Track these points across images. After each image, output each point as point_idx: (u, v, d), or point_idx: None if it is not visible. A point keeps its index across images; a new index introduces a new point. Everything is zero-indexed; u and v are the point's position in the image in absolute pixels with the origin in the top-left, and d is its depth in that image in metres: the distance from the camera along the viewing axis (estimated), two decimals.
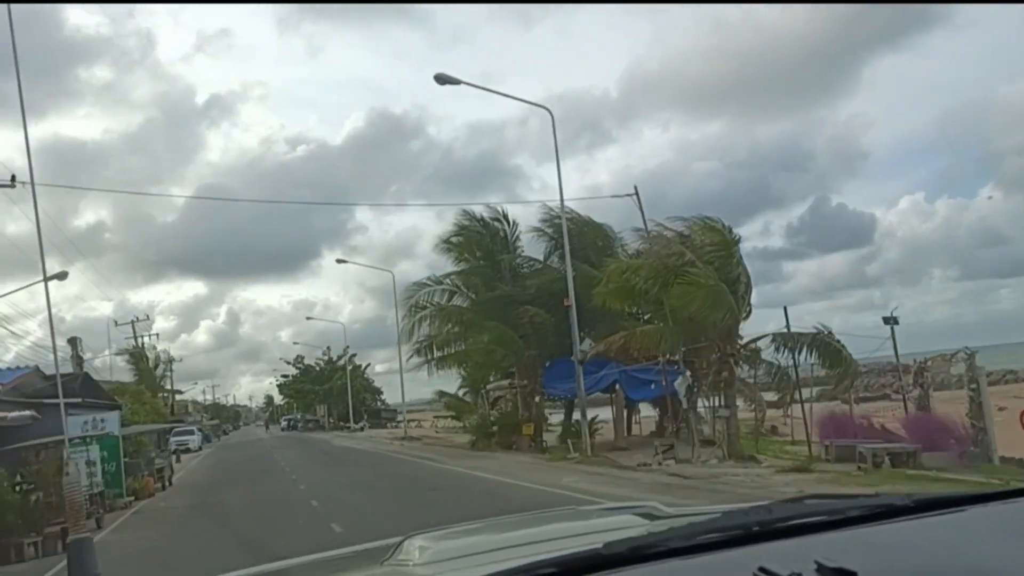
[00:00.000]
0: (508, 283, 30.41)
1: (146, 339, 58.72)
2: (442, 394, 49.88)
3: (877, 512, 1.42)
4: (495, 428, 31.55)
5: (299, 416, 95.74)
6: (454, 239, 31.72)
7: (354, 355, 79.41)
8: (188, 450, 53.30)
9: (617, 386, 26.98)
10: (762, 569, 1.07)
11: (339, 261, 58.35)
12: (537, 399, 30.51)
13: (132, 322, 56.74)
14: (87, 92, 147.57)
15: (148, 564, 12.81)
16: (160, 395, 57.12)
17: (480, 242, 31.32)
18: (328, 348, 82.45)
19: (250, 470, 31.76)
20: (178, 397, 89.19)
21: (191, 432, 57.07)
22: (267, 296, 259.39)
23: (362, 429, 70.70)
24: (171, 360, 56.55)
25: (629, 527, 1.79)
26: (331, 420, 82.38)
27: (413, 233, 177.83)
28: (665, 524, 1.70)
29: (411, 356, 32.82)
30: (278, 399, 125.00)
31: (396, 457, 32.47)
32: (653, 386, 24.32)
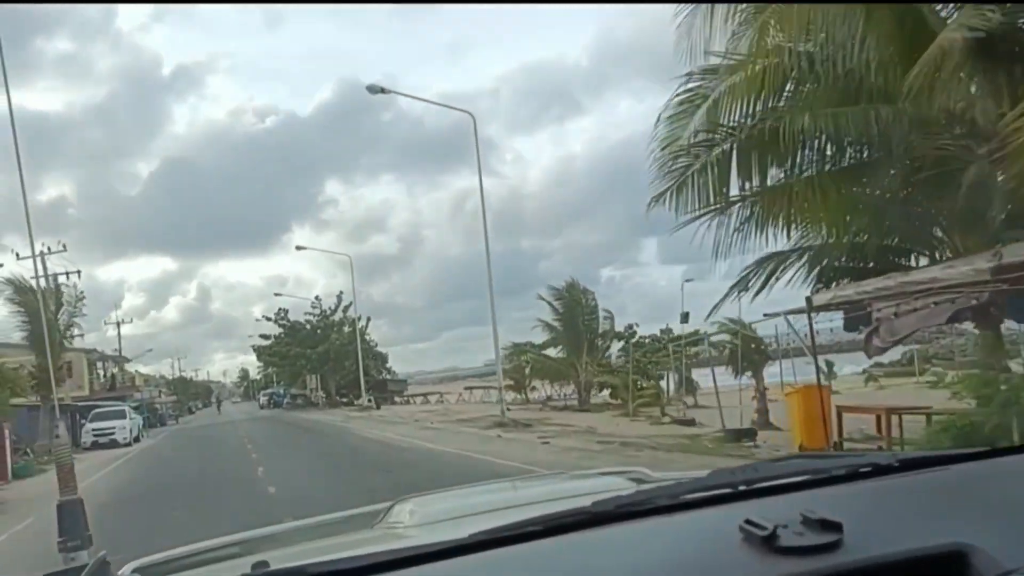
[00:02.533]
0: None
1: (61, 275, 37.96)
2: (519, 350, 36.92)
3: (863, 471, 1.43)
4: None
5: (282, 390, 75.73)
6: None
7: (348, 306, 59.07)
8: (114, 443, 33.38)
9: None
10: (748, 522, 1.08)
11: (298, 248, 57.33)
12: None
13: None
14: (47, 64, 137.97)
15: None
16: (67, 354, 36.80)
17: None
18: (317, 299, 62.16)
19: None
20: (136, 370, 71.75)
21: (120, 414, 36.55)
22: (238, 272, 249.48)
23: (377, 407, 50.77)
24: (80, 299, 35.42)
25: (618, 489, 1.70)
26: (324, 394, 62.54)
27: (385, 207, 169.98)
28: (653, 486, 1.64)
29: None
30: (255, 372, 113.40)
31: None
32: None
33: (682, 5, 11.50)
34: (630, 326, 36.06)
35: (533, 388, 39.35)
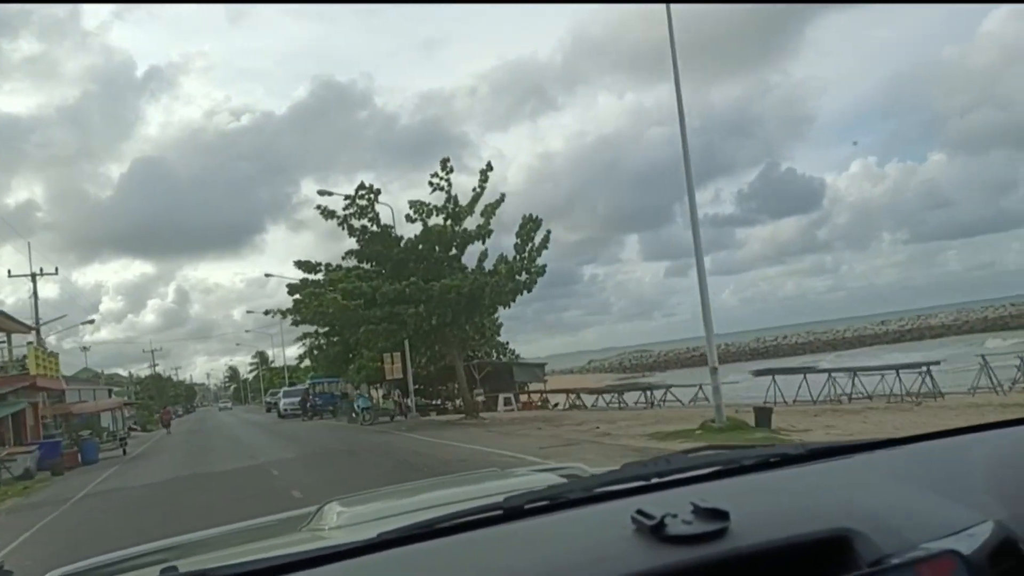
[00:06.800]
0: None
1: None
2: None
3: (772, 460, 1.44)
4: None
5: (322, 384, 43.28)
6: None
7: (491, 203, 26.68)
8: None
9: None
10: (639, 512, 1.10)
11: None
12: None
13: None
14: (13, 66, 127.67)
15: None
16: None
17: None
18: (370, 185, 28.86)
19: None
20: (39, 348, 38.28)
21: None
22: (217, 274, 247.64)
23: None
24: None
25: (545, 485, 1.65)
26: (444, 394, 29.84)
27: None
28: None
29: None
30: (246, 371, 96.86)
31: None
32: None
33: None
34: None
35: None
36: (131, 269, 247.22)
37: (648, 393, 30.73)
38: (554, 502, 1.29)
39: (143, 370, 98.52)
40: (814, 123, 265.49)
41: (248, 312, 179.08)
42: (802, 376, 25.58)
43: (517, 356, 44.05)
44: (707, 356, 14.53)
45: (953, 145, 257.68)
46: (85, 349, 75.27)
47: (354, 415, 29.45)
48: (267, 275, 52.38)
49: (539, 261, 25.90)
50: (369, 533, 1.27)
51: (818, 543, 1.07)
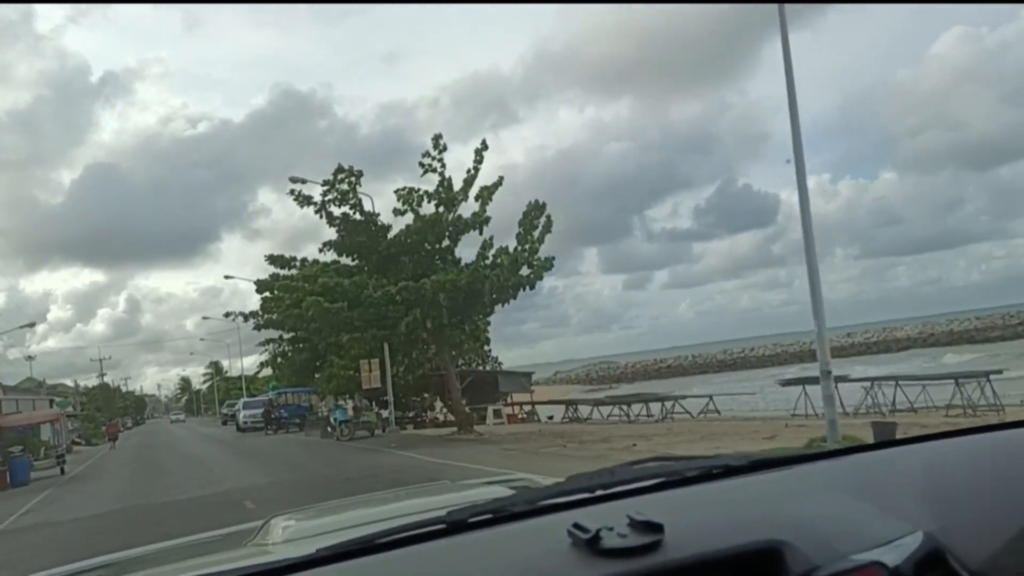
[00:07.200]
0: None
1: None
2: None
3: (714, 472, 1.44)
4: None
5: (287, 395, 39.59)
6: None
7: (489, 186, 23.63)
8: None
9: None
10: (575, 525, 1.10)
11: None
12: None
13: None
14: None
15: None
16: None
17: None
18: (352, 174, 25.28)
19: None
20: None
21: None
22: (169, 284, 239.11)
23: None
24: None
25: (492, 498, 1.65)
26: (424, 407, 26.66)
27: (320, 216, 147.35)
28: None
29: None
30: (199, 382, 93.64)
31: None
32: None
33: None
34: None
35: None
36: (81, 277, 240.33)
37: (665, 405, 27.87)
38: (497, 515, 1.27)
39: (91, 380, 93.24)
40: (770, 141, 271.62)
41: (204, 318, 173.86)
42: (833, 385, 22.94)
43: (499, 364, 40.97)
44: (818, 356, 11.64)
45: (903, 165, 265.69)
46: (30, 358, 70.44)
47: (329, 429, 26.01)
48: (227, 277, 49.03)
49: (540, 254, 22.93)
50: (314, 548, 1.23)
51: (749, 554, 1.07)
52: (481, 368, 38.30)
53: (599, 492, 1.32)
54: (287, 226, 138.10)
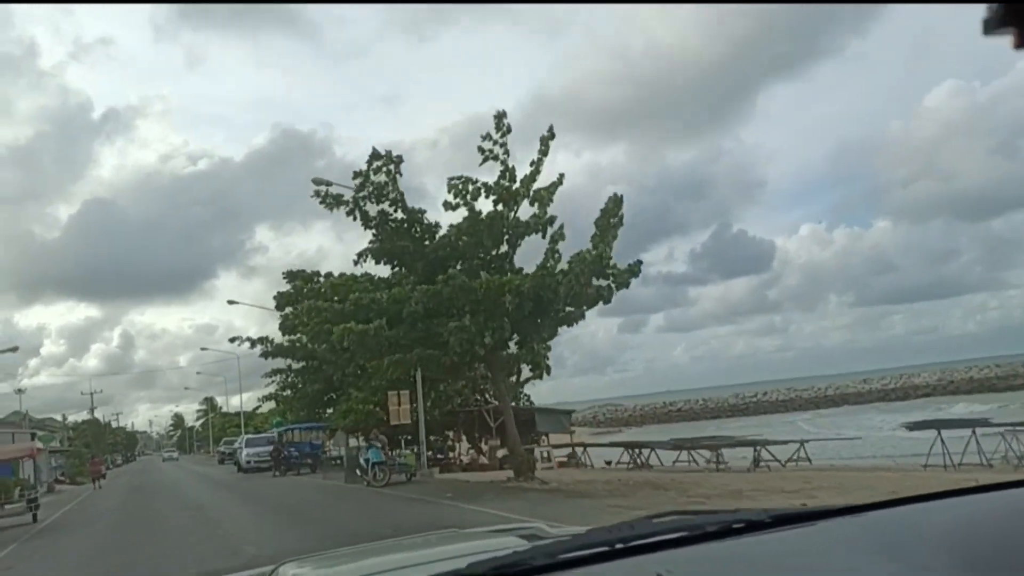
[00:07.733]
0: None
1: None
2: None
3: (735, 527, 1.42)
4: None
5: (296, 432, 35.29)
6: None
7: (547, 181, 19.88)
8: None
9: None
10: None
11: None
12: None
13: None
14: None
15: None
16: None
17: None
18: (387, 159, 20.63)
19: None
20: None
21: None
22: (164, 320, 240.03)
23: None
24: None
25: (509, 548, 1.59)
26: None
27: (318, 255, 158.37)
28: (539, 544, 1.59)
29: None
30: (192, 419, 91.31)
31: None
32: None
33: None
34: None
35: None
36: (76, 312, 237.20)
37: (756, 450, 23.71)
38: (518, 569, 1.24)
39: (82, 415, 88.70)
40: (765, 187, 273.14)
41: (203, 349, 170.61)
42: (971, 432, 18.99)
43: (530, 400, 36.87)
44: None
45: (896, 213, 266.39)
46: (20, 391, 66.49)
47: (358, 472, 21.84)
48: (230, 302, 44.93)
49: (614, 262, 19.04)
50: None
51: None
52: (514, 404, 34.22)
53: (618, 546, 1.29)
54: (284, 263, 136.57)
